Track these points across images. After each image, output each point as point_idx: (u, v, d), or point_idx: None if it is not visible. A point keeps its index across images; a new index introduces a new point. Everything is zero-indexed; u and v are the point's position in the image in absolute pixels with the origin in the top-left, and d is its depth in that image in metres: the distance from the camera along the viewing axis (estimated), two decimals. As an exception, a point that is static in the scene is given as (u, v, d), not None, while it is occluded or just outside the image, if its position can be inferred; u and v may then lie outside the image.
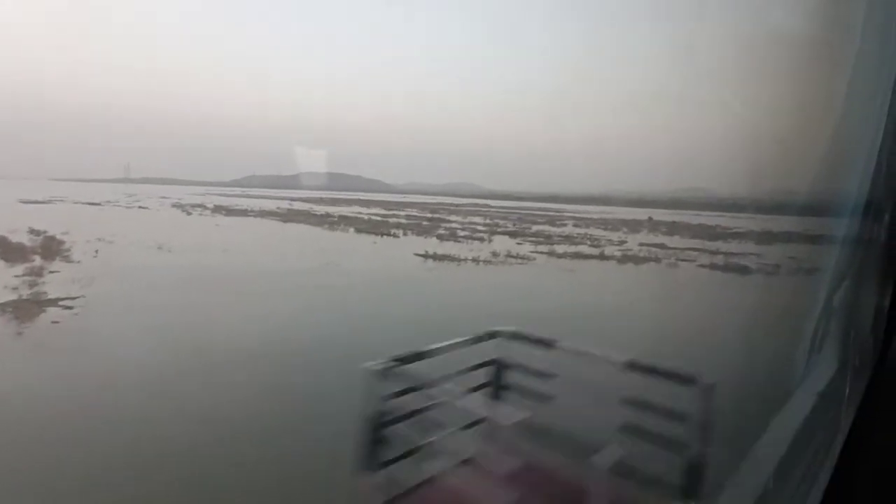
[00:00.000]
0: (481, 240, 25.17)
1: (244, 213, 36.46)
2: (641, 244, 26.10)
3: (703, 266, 19.23)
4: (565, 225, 38.74)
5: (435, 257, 18.09)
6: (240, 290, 11.93)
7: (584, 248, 22.96)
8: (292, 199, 61.35)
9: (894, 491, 1.27)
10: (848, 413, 1.73)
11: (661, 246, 25.17)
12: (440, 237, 25.17)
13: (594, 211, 61.97)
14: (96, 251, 15.35)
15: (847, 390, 2.01)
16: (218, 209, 38.80)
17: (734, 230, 38.93)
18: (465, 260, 17.94)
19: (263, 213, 36.14)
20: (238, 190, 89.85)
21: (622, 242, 26.67)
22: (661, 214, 56.82)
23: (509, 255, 19.37)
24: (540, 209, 65.36)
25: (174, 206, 40.29)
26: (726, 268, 18.86)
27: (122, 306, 9.56)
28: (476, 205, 67.40)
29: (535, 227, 34.62)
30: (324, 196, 69.66)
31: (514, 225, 35.84)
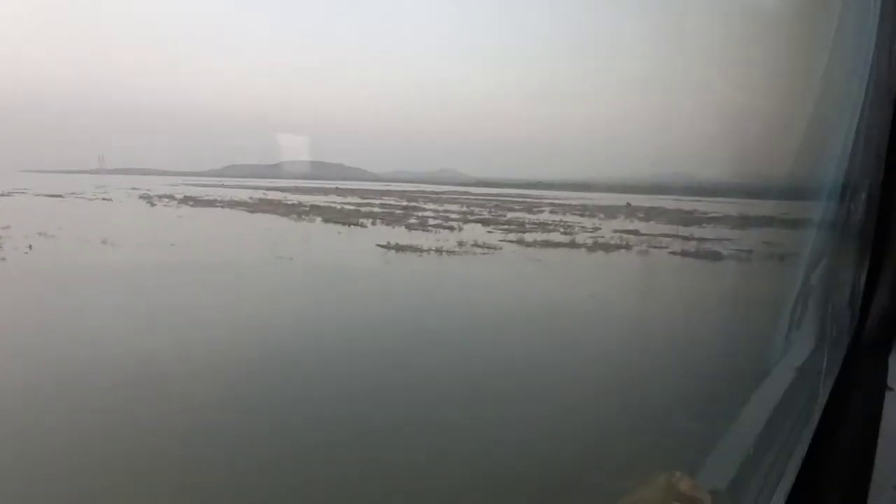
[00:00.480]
0: (451, 228, 24.37)
1: (212, 203, 35.29)
2: (615, 231, 25.48)
3: (674, 253, 18.66)
4: (542, 212, 38.05)
5: (397, 248, 17.27)
6: (163, 288, 11.04)
7: (556, 236, 22.28)
8: (268, 189, 59.88)
9: (871, 456, 1.25)
10: (826, 384, 1.75)
11: (635, 232, 24.58)
12: (409, 226, 24.34)
13: (575, 197, 61.39)
14: (29, 247, 14.28)
15: (825, 362, 2.03)
16: (186, 200, 37.51)
17: (711, 214, 38.48)
18: (429, 251, 17.14)
19: (233, 204, 35.00)
20: (216, 180, 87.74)
21: (596, 229, 26.05)
22: (641, 200, 56.28)
23: (476, 245, 18.60)
24: (521, 196, 64.64)
25: (141, 197, 38.88)
26: (698, 254, 18.30)
27: (22, 311, 8.63)
28: (457, 192, 66.44)
29: (510, 215, 33.88)
30: (301, 185, 68.13)
31: (490, 212, 35.08)
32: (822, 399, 1.66)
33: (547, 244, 19.72)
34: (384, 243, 17.74)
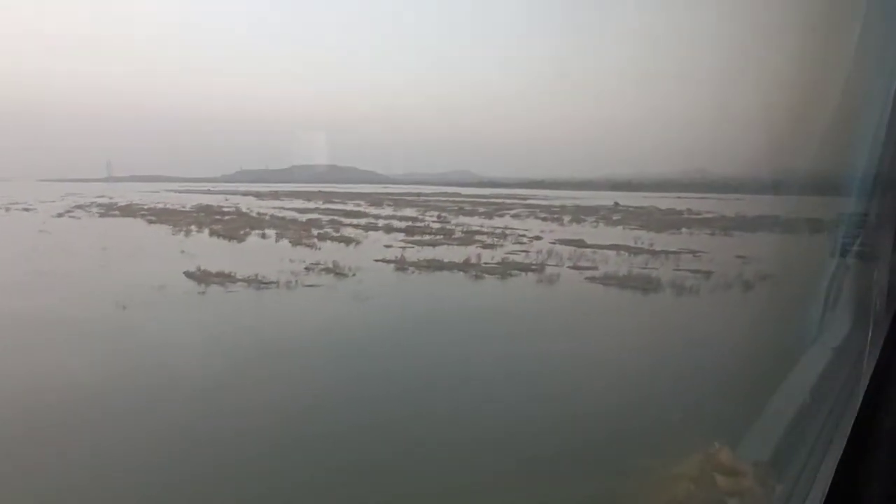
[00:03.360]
0: (349, 242, 19.18)
1: (133, 212, 30.68)
2: (557, 240, 19.80)
3: (594, 279, 12.96)
4: (504, 215, 32.28)
5: (203, 278, 12.21)
6: None
7: (469, 251, 16.74)
8: (244, 194, 55.84)
9: None
10: (869, 363, 1.65)
11: (579, 243, 18.87)
12: (297, 241, 19.21)
13: (565, 196, 55.26)
14: None
15: (868, 343, 1.88)
16: (114, 208, 33.26)
17: (703, 215, 32.25)
18: (244, 281, 12.03)
19: (152, 212, 30.32)
20: (209, 185, 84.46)
21: (535, 239, 20.40)
22: (637, 198, 49.90)
23: (331, 271, 13.40)
24: (513, 196, 58.71)
25: (76, 206, 34.71)
26: (625, 281, 12.59)
27: None
28: (444, 193, 60.82)
29: (457, 220, 28.32)
30: (280, 189, 63.84)
31: (437, 217, 29.56)
32: (865, 379, 1.50)
33: (432, 266, 14.32)
34: (193, 270, 12.71)
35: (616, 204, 41.32)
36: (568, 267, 14.44)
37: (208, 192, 62.17)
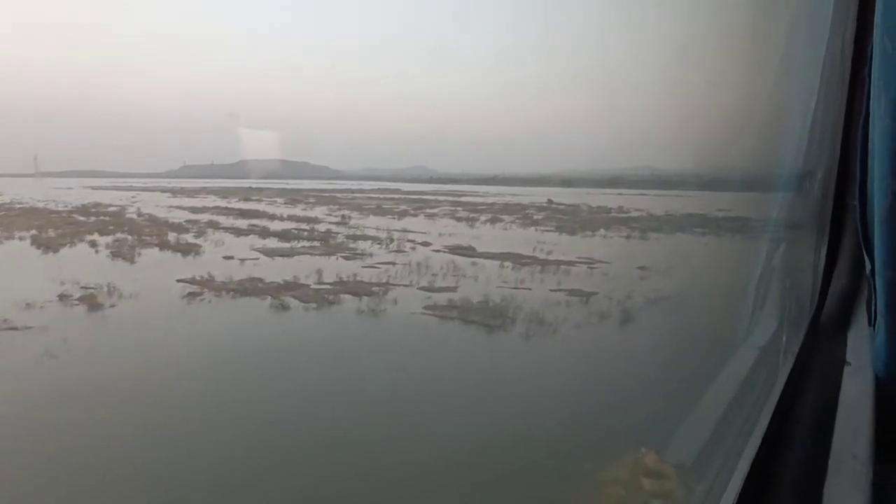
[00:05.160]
0: (188, 252, 15.43)
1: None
2: (446, 247, 16.54)
3: (435, 308, 9.60)
4: (417, 216, 28.78)
5: None
6: None
7: (324, 262, 13.35)
8: (164, 190, 50.70)
9: (830, 428, 1.17)
10: (786, 361, 1.66)
11: (469, 251, 15.65)
12: (120, 252, 15.34)
13: (503, 192, 52.18)
14: None
15: (784, 341, 1.91)
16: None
17: (630, 213, 29.57)
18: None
19: (14, 214, 25.65)
20: (145, 181, 78.01)
21: (422, 245, 17.09)
22: (579, 195, 47.28)
23: (89, 300, 9.74)
24: (447, 192, 55.11)
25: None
26: (473, 312, 9.30)
27: None
28: (384, 190, 56.68)
29: (361, 220, 24.77)
30: (210, 185, 58.73)
31: (341, 218, 25.86)
32: (783, 376, 1.53)
33: (240, 289, 10.79)
34: None
35: (549, 201, 38.52)
36: (419, 288, 11.11)
37: (130, 188, 56.65)
